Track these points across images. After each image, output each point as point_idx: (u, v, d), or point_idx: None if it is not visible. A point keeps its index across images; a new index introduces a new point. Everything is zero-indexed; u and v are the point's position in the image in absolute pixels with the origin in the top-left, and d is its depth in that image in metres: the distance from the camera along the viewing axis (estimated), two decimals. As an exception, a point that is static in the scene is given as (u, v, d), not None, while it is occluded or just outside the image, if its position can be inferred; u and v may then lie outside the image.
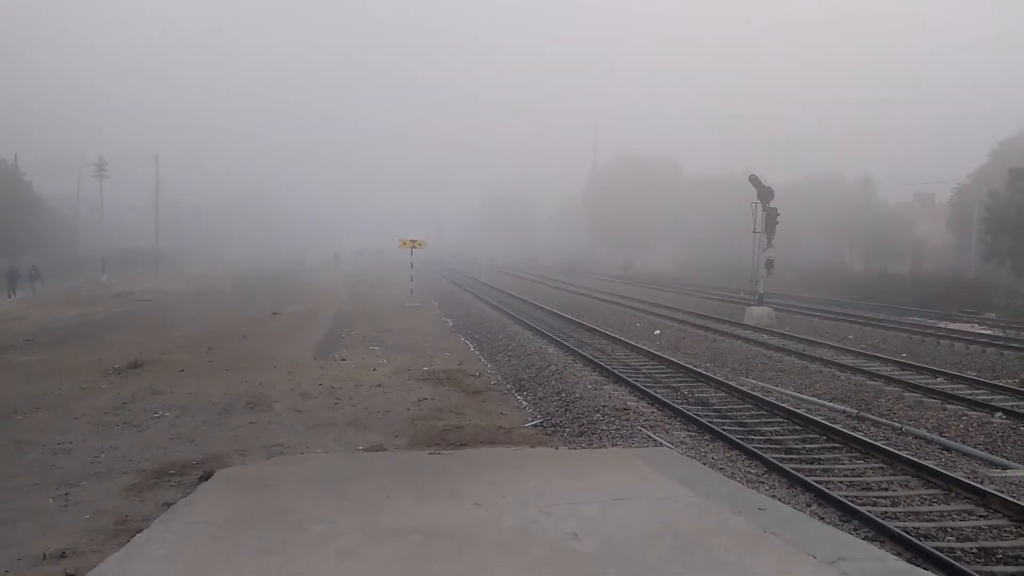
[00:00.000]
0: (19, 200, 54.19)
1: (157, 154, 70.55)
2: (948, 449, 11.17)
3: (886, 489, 9.44)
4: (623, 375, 16.20)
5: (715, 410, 13.50)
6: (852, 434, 11.48)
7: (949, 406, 13.76)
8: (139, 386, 15.15)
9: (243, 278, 56.22)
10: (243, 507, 7.12)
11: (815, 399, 14.37)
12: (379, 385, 15.35)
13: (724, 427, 12.07)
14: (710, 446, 11.14)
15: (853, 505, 8.58)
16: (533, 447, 10.61)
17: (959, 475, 9.62)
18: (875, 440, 11.25)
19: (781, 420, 12.71)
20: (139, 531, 6.69)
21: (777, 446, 11.22)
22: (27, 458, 10.19)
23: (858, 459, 10.60)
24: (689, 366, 17.39)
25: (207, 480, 8.29)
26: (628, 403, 13.59)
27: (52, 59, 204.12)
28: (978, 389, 15.19)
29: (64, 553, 6.72)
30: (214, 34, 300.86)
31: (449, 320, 29.63)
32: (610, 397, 14.06)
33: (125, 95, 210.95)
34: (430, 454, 9.64)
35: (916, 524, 8.21)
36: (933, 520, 8.39)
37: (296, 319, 28.50)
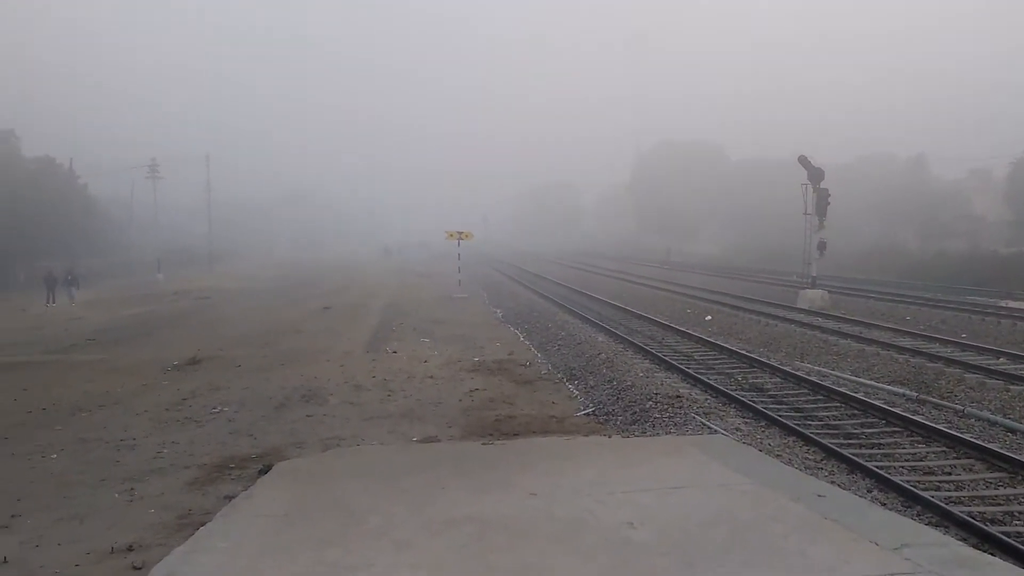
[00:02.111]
0: (75, 203, 55.58)
1: (208, 154, 71.81)
2: (1012, 431, 10.86)
3: (949, 473, 9.23)
4: (675, 362, 16.07)
5: (770, 396, 13.32)
6: (912, 418, 11.25)
7: (1012, 387, 13.38)
8: (198, 382, 15.46)
9: (294, 274, 56.99)
10: (301, 499, 7.23)
11: (873, 383, 14.09)
12: (431, 376, 15.45)
13: (780, 413, 11.90)
14: (766, 432, 11.00)
15: (915, 490, 8.41)
16: (586, 436, 10.58)
17: (1025, 458, 9.37)
18: (936, 423, 11.00)
19: (839, 405, 12.49)
20: (202, 524, 6.84)
21: (835, 431, 11.03)
22: (92, 455, 10.46)
23: (919, 443, 10.37)
24: (742, 352, 17.19)
25: (266, 473, 8.45)
26: (681, 390, 13.48)
27: (105, 64, 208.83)
28: (1043, 369, 14.75)
29: (131, 547, 6.89)
30: (261, 32, 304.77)
31: (498, 310, 29.69)
32: (662, 384, 13.96)
33: (176, 98, 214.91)
34: (483, 445, 9.67)
35: (981, 509, 8.01)
36: (999, 504, 8.18)
37: (347, 312, 28.82)
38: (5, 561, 6.62)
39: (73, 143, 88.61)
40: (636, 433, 11.16)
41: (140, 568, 6.12)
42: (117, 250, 63.43)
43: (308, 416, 12.39)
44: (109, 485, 9.05)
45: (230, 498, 7.79)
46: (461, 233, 36.85)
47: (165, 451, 10.51)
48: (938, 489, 8.64)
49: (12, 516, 7.96)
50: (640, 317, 24.30)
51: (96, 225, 59.08)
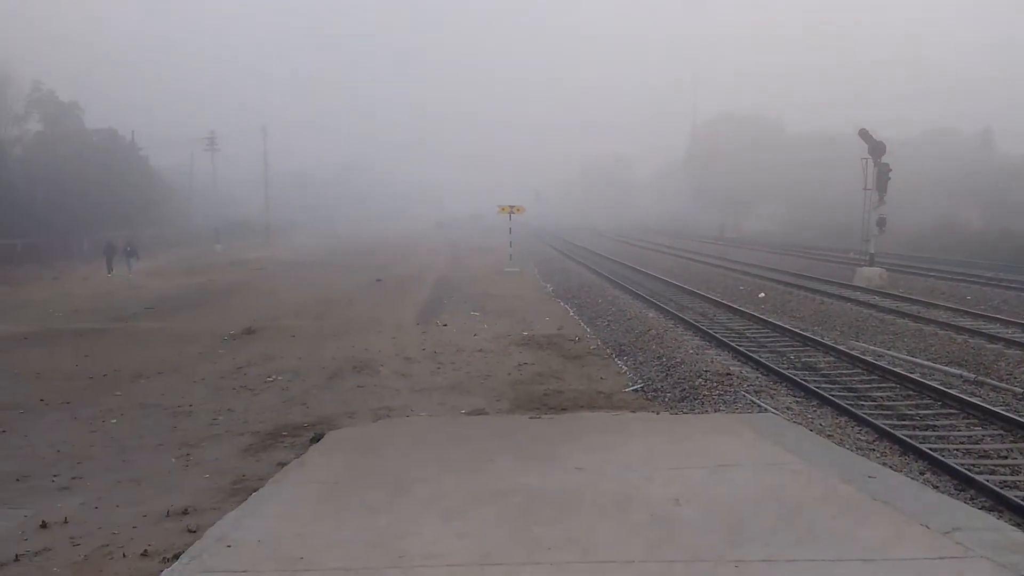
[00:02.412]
0: (136, 174, 56.89)
1: (265, 127, 72.71)
2: (1075, 416, 10.56)
3: (1005, 457, 9.02)
4: (726, 339, 15.92)
5: (823, 375, 13.13)
6: (969, 399, 11.00)
7: (1077, 370, 13.00)
8: (253, 351, 15.80)
9: (348, 247, 57.61)
10: (352, 468, 7.38)
11: (930, 363, 13.79)
12: (480, 350, 15.54)
13: (832, 392, 11.73)
14: (817, 412, 10.87)
15: (970, 474, 8.24)
16: (634, 412, 10.57)
17: (1087, 443, 9.11)
18: (994, 406, 10.74)
19: (893, 385, 12.26)
20: (255, 490, 7.03)
21: (889, 412, 10.84)
22: (150, 420, 10.79)
23: (976, 426, 10.14)
24: (795, 329, 16.94)
25: (318, 442, 8.63)
26: (731, 368, 13.36)
27: (167, 37, 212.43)
28: (1110, 353, 14.28)
29: (186, 510, 7.10)
30: (320, 8, 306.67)
31: (548, 285, 29.67)
32: (712, 362, 13.85)
33: (236, 70, 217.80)
34: (531, 418, 9.73)
35: (1039, 494, 7.83)
36: (1058, 490, 7.98)
37: (399, 285, 29.09)
38: (66, 521, 6.89)
39: (134, 115, 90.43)
40: (685, 410, 11.11)
41: (195, 531, 6.30)
42: (177, 221, 64.79)
43: (359, 386, 12.59)
44: (166, 450, 9.33)
45: (283, 465, 7.98)
46: (513, 207, 36.86)
47: (221, 418, 10.78)
48: (993, 473, 8.46)
49: (73, 478, 8.27)
50: (691, 293, 24.08)
51: (157, 196, 60.44)
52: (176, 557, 5.49)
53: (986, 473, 8.40)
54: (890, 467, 8.28)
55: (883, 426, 9.96)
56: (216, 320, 20.49)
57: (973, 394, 11.56)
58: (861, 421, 10.29)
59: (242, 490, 7.46)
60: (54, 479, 8.23)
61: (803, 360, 14.28)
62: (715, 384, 12.28)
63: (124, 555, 6.07)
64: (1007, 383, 12.30)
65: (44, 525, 6.79)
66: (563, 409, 10.88)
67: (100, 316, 22.44)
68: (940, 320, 17.96)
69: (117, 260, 37.61)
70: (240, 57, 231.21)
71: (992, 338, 15.72)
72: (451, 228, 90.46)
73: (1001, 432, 9.80)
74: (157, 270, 38.83)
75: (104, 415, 11.06)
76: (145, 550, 6.10)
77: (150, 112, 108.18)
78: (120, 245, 38.61)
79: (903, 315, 19.03)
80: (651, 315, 19.92)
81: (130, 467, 8.63)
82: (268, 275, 35.53)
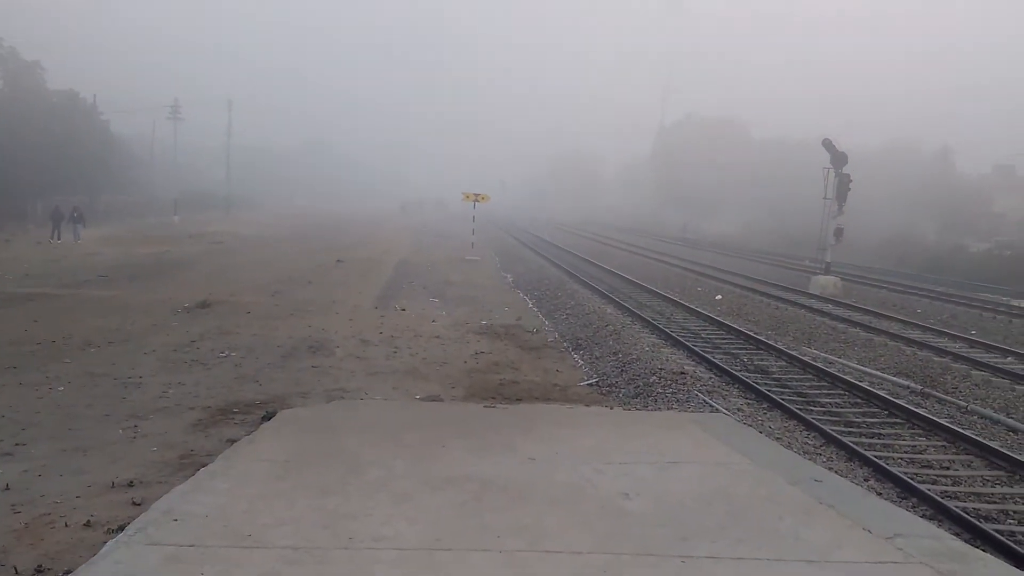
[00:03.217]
0: (96, 139, 55.59)
1: (230, 99, 71.76)
2: (1015, 431, 10.85)
3: (947, 468, 9.24)
4: (681, 339, 16.07)
5: (774, 379, 13.32)
6: (915, 410, 11.24)
7: (1018, 387, 13.34)
8: (207, 326, 15.58)
9: (310, 225, 57.06)
10: (303, 447, 7.33)
11: (879, 372, 14.08)
12: (437, 336, 15.51)
13: (783, 396, 11.91)
14: (768, 415, 11.03)
15: (912, 482, 8.44)
16: (588, 406, 10.64)
17: (1025, 458, 9.37)
18: (939, 417, 11.00)
19: (842, 392, 12.49)
20: (203, 465, 6.94)
21: (836, 418, 11.04)
22: (99, 390, 10.60)
23: (920, 436, 10.38)
24: (750, 333, 17.16)
25: (269, 420, 8.55)
26: (686, 367, 13.50)
27: (133, 5, 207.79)
28: (1051, 371, 14.69)
29: (131, 483, 6.99)
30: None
31: (508, 275, 29.70)
32: (667, 360, 13.98)
33: (202, 40, 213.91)
34: (486, 407, 9.74)
35: (977, 505, 8.04)
36: (995, 502, 8.21)
37: (359, 267, 28.88)
38: (7, 488, 6.75)
39: (98, 78, 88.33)
40: (638, 407, 11.21)
41: (139, 504, 6.21)
42: (136, 189, 63.56)
43: (314, 367, 12.48)
44: (114, 421, 9.17)
45: (232, 441, 7.89)
46: (478, 195, 36.76)
47: (171, 391, 10.62)
48: (935, 483, 8.67)
49: (16, 444, 8.11)
50: (651, 292, 24.26)
51: (116, 162, 59.08)
52: (121, 528, 5.41)
53: (928, 483, 8.60)
54: (836, 472, 8.43)
55: (831, 431, 10.15)
56: (171, 292, 20.18)
57: (919, 405, 11.82)
58: (810, 426, 10.47)
59: (190, 465, 7.36)
60: (-4, 444, 8.05)
61: (756, 363, 14.47)
62: (669, 382, 12.39)
63: (66, 524, 5.96)
64: (952, 396, 12.59)
65: (-16, 491, 6.65)
66: (518, 399, 10.91)
67: (51, 281, 21.97)
68: (890, 331, 18.32)
69: (64, 226, 36.72)
70: (208, 29, 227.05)
71: (940, 351, 16.08)
72: (415, 212, 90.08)
73: (944, 444, 10.03)
74: (112, 238, 38.12)
75: (51, 382, 10.84)
76: (88, 520, 6.00)
77: (114, 78, 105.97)
78: (67, 211, 37.57)
79: (855, 324, 19.38)
80: (609, 311, 20.03)
81: (76, 436, 8.47)
82: (226, 249, 35.06)
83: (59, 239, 35.77)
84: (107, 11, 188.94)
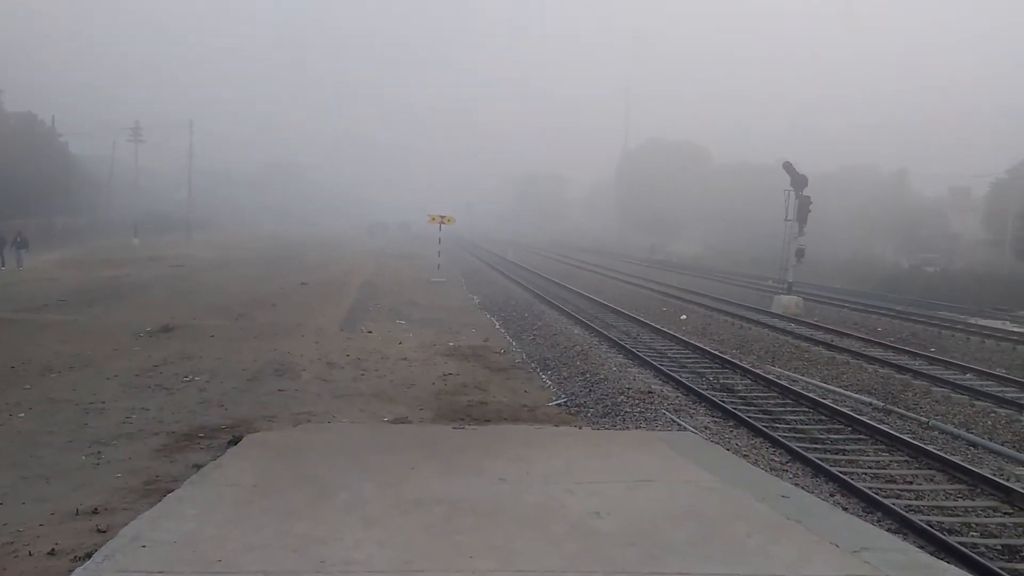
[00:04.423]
0: (55, 160, 54.80)
1: (191, 121, 71.08)
2: (975, 445, 11.06)
3: (911, 483, 9.39)
4: (648, 358, 16.17)
5: (740, 397, 13.46)
6: (878, 426, 11.41)
7: (977, 402, 13.61)
8: (170, 350, 15.37)
9: (273, 248, 56.63)
10: (271, 472, 7.25)
11: (841, 390, 14.28)
12: (404, 358, 15.46)
13: (749, 414, 12.04)
14: (734, 432, 11.13)
15: (877, 497, 8.56)
16: (557, 426, 10.67)
17: (985, 471, 9.54)
18: (901, 433, 11.18)
19: (806, 410, 12.65)
20: (169, 491, 6.84)
21: (802, 435, 11.18)
22: (60, 416, 10.41)
23: (883, 452, 10.54)
24: (715, 352, 17.32)
25: (236, 444, 8.45)
26: (653, 386, 13.59)
27: (93, 26, 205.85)
28: (1007, 386, 14.99)
29: (96, 509, 6.87)
30: (252, 5, 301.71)
31: (475, 297, 29.71)
32: (635, 380, 14.06)
33: (161, 62, 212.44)
34: (454, 428, 9.73)
35: (940, 519, 8.17)
36: (958, 515, 8.35)
37: (324, 289, 28.71)
38: (-32, 516, 6.59)
39: (56, 100, 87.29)
40: (607, 426, 11.26)
41: (105, 531, 6.09)
42: (95, 211, 62.72)
43: (280, 390, 12.37)
44: (76, 447, 9.02)
45: (198, 467, 7.78)
46: (444, 217, 36.83)
47: (134, 416, 10.46)
48: (899, 497, 8.80)
49: (-23, 472, 7.93)
50: (617, 312, 24.40)
51: (75, 185, 58.33)
52: (88, 556, 5.30)
53: (892, 497, 8.73)
54: (802, 487, 8.53)
55: (796, 448, 10.27)
56: (132, 316, 19.89)
57: (881, 421, 12.01)
58: (775, 443, 10.59)
59: (155, 491, 7.25)
60: (-45, 472, 7.87)
61: (721, 382, 14.61)
62: (637, 401, 12.47)
63: (30, 553, 5.82)
64: (914, 412, 12.81)
65: (-57, 520, 6.49)
66: (487, 420, 10.90)
67: (8, 305, 21.54)
68: (852, 349, 18.61)
69: (7, 252, 34.85)
70: (172, 50, 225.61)
71: (901, 369, 16.36)
72: (381, 234, 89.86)
73: (907, 459, 10.20)
74: (72, 261, 37.50)
75: (11, 408, 10.65)
76: (52, 549, 5.87)
77: (73, 99, 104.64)
78: (10, 236, 35.60)
79: (817, 343, 19.66)
80: (576, 331, 20.11)
81: (38, 463, 8.31)
82: (188, 272, 34.63)
83: (3, 265, 34.01)
84: (67, 33, 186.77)
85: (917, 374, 15.86)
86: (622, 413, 11.93)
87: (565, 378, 14.82)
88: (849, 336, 21.00)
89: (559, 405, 12.73)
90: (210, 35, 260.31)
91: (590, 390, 13.57)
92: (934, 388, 14.71)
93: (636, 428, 11.07)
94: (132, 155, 71.86)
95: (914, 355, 18.30)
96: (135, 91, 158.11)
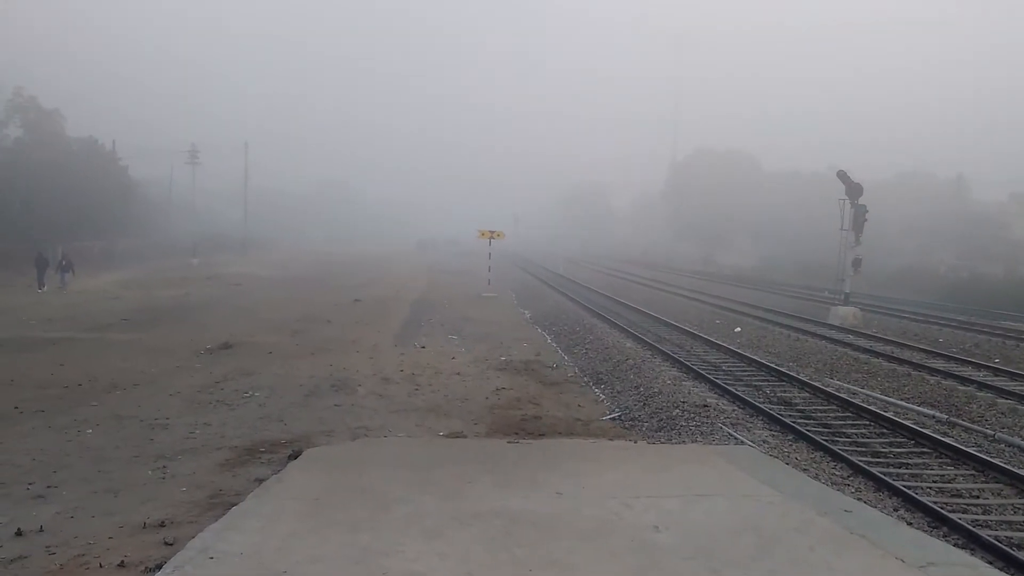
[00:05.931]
0: (115, 184, 56.47)
1: (247, 142, 72.66)
2: (1044, 459, 10.75)
3: (977, 497, 9.16)
4: (703, 371, 16.03)
5: (799, 410, 13.26)
6: (942, 439, 11.15)
7: (1046, 415, 13.23)
8: (230, 367, 15.70)
9: (326, 265, 57.42)
10: (331, 485, 7.37)
11: (903, 403, 13.98)
12: (458, 373, 15.56)
13: (808, 428, 11.85)
14: (793, 446, 10.97)
15: (943, 511, 8.36)
16: (611, 440, 10.64)
17: (1056, 486, 9.27)
18: (966, 446, 10.90)
19: (867, 423, 12.41)
20: (233, 504, 7.00)
21: (863, 449, 10.97)
22: (127, 431, 10.70)
23: (948, 465, 10.29)
24: (771, 365, 17.10)
25: (296, 459, 8.60)
26: (708, 400, 13.47)
27: (156, 48, 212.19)
28: (1078, 398, 14.54)
29: (163, 523, 7.05)
30: (306, 27, 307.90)
31: (526, 311, 29.75)
32: (689, 393, 13.95)
33: (219, 84, 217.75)
34: (509, 443, 9.77)
35: (1009, 534, 7.95)
36: (1027, 531, 8.12)
37: (377, 306, 29.03)
38: (41, 530, 6.82)
39: (115, 125, 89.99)
40: (662, 440, 11.19)
41: (172, 544, 6.26)
42: (154, 232, 64.26)
43: (337, 405, 12.55)
44: (143, 462, 9.25)
45: (260, 481, 7.95)
46: (493, 232, 36.95)
47: (197, 432, 10.71)
48: (965, 512, 8.58)
49: (48, 487, 8.19)
50: (669, 325, 24.23)
51: (135, 207, 59.99)
52: (158, 568, 5.45)
53: (959, 512, 8.52)
54: (865, 502, 8.37)
55: (858, 462, 10.08)
56: (193, 334, 20.35)
57: (945, 434, 11.73)
58: (836, 456, 10.41)
59: (219, 504, 7.42)
60: (29, 487, 8.14)
61: (779, 395, 14.41)
62: (692, 415, 12.37)
63: (100, 565, 6.01)
64: (979, 424, 12.48)
65: (19, 533, 6.73)
66: (541, 435, 10.91)
67: (74, 325, 22.21)
68: (913, 361, 18.21)
69: (50, 274, 35.03)
70: (226, 73, 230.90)
71: (964, 380, 15.96)
72: (430, 250, 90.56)
73: (974, 472, 9.94)
74: (133, 281, 38.47)
75: (79, 425, 10.96)
76: (122, 561, 6.04)
77: (132, 122, 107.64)
78: (53, 258, 36.04)
79: (877, 355, 19.27)
80: (628, 345, 20.02)
81: (106, 478, 8.55)
82: (245, 290, 35.32)
83: (43, 287, 33.98)
84: (128, 56, 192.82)
85: (982, 386, 15.45)
86: (677, 427, 11.85)
87: (618, 392, 14.76)
88: (909, 347, 20.55)
89: (613, 419, 12.68)
90: (263, 60, 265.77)
91: (644, 404, 13.50)
92: (1000, 400, 14.32)
93: (692, 442, 10.98)
94: (189, 177, 73.65)
95: (978, 366, 17.83)
96: (193, 114, 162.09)
